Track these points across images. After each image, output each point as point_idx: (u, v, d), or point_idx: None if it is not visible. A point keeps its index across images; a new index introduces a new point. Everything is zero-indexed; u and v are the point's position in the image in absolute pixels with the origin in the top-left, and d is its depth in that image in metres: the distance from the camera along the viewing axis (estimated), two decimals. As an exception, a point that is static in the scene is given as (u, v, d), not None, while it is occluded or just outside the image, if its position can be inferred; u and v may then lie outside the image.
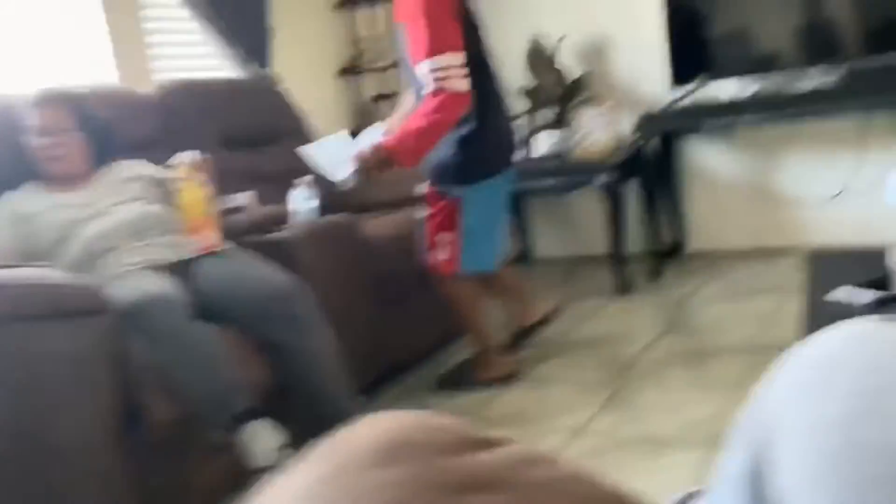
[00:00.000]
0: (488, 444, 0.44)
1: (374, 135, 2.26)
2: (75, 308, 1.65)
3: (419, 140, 2.16)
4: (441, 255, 2.39)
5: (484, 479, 0.40)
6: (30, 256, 1.97)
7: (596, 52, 3.73)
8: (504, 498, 0.38)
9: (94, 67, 2.87)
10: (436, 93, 2.11)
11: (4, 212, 2.04)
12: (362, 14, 3.93)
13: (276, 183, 2.73)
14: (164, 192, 2.18)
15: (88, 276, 1.88)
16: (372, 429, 0.46)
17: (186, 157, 2.04)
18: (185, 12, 3.08)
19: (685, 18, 3.39)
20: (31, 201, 2.06)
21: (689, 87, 3.35)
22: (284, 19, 3.49)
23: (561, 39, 3.59)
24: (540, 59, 3.56)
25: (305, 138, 3.21)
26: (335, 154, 2.25)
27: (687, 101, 3.37)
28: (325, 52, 3.86)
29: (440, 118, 2.13)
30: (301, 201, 2.39)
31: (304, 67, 3.65)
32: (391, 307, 2.49)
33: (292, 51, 3.56)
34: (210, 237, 2.06)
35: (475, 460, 0.41)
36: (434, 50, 2.11)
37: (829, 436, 0.34)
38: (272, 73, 3.33)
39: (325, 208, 2.44)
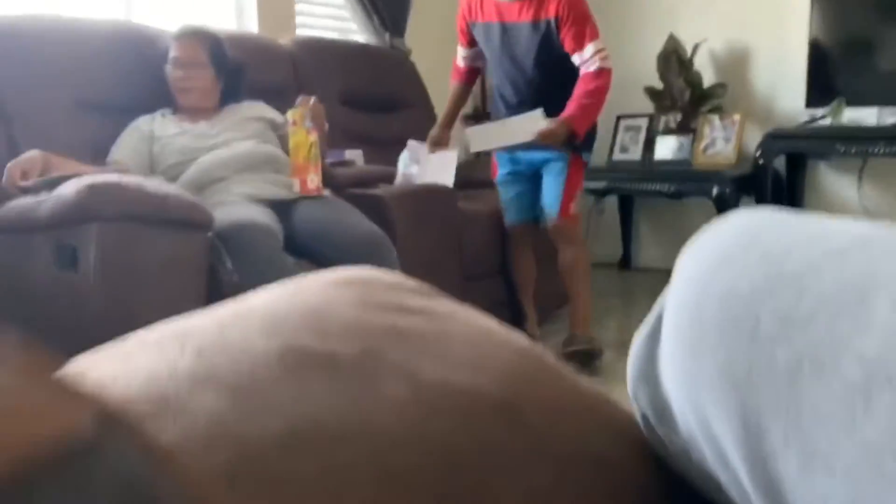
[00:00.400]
0: (427, 293, 0.49)
1: (534, 116, 2.50)
2: (180, 218, 1.81)
3: (595, 112, 2.58)
4: (574, 210, 2.59)
5: (412, 308, 0.45)
6: (150, 175, 2.17)
7: (733, 62, 3.62)
8: (422, 322, 0.43)
9: (239, 14, 3.08)
10: (599, 72, 2.52)
11: (135, 131, 2.24)
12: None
13: (390, 147, 2.85)
14: (280, 135, 2.33)
15: (200, 195, 2.05)
16: (344, 271, 0.52)
17: (300, 102, 2.17)
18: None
19: (831, 40, 3.25)
20: (159, 125, 2.26)
21: (823, 110, 3.21)
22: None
23: (699, 44, 3.52)
24: (673, 60, 3.50)
25: (426, 110, 3.33)
26: (440, 163, 2.58)
27: (820, 124, 3.23)
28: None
29: (606, 92, 2.58)
30: (403, 164, 2.49)
31: (438, 43, 3.75)
32: (473, 282, 2.55)
33: (429, 26, 3.66)
34: (312, 181, 2.18)
35: (410, 298, 0.47)
36: (597, 33, 2.54)
37: (688, 289, 0.37)
38: (405, 44, 3.45)
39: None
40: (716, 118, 3.55)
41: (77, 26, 2.30)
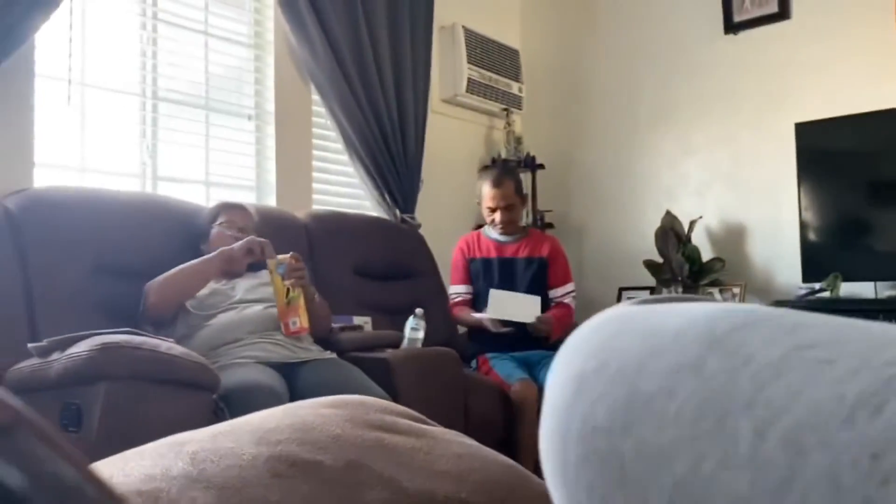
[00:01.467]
0: (421, 420, 0.51)
1: (535, 300, 3.14)
2: (187, 379, 1.84)
3: (566, 328, 3.10)
4: None
5: (401, 429, 0.47)
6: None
7: (730, 237, 3.76)
8: (407, 440, 0.45)
9: (260, 187, 3.26)
10: (568, 306, 3.28)
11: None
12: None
13: (399, 313, 2.92)
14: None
15: (212, 355, 2.09)
16: (337, 396, 0.55)
17: (281, 257, 2.31)
18: (346, 157, 3.46)
19: (820, 220, 3.39)
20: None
21: (821, 283, 3.28)
22: (434, 173, 3.81)
23: (695, 221, 3.66)
24: (671, 236, 3.63)
25: (435, 281, 3.43)
26: (525, 303, 3.10)
27: (819, 297, 3.28)
28: (465, 207, 4.14)
29: (572, 319, 3.27)
30: (410, 329, 2.54)
31: (444, 218, 3.92)
32: (480, 447, 2.51)
33: (437, 202, 3.86)
34: (293, 323, 2.28)
35: (400, 420, 0.49)
36: (571, 277, 3.37)
37: (549, 419, 0.37)
38: (414, 219, 3.62)
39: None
40: (716, 291, 3.62)
41: (99, 196, 2.45)
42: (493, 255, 3.28)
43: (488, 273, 3.26)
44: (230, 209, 2.55)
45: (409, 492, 0.40)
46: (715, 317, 0.33)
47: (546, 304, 3.26)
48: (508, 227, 3.28)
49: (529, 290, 3.21)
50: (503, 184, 3.25)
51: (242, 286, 2.40)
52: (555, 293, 3.30)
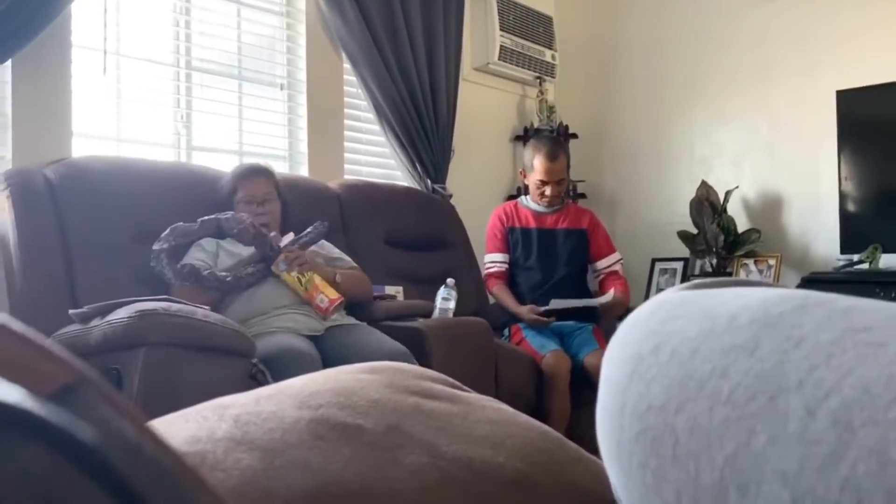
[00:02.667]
0: (456, 386, 0.51)
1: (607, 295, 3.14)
2: (223, 346, 1.87)
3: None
4: None
5: (438, 394, 0.48)
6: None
7: (766, 208, 3.70)
8: (445, 405, 0.46)
9: (292, 157, 3.28)
10: (622, 275, 3.27)
11: (214, 245, 2.38)
12: (539, 149, 4.19)
13: (430, 283, 2.93)
14: (336, 267, 2.47)
15: (244, 325, 2.12)
16: (375, 363, 0.56)
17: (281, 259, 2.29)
18: (377, 126, 3.45)
19: (860, 191, 3.32)
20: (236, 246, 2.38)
21: (859, 255, 3.22)
22: (466, 143, 3.80)
23: (731, 191, 3.61)
24: (705, 206, 3.59)
25: (466, 250, 3.43)
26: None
27: (858, 269, 3.23)
28: (497, 178, 4.12)
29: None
30: (441, 299, 2.55)
31: (476, 188, 3.91)
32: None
33: (468, 173, 3.84)
34: (322, 301, 2.28)
35: (436, 385, 0.49)
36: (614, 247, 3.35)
37: (606, 395, 0.38)
38: (445, 189, 3.61)
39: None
40: (751, 262, 3.57)
41: (136, 165, 2.48)
42: (533, 225, 3.25)
43: (527, 243, 3.23)
44: (247, 180, 2.44)
45: (447, 456, 0.40)
46: (769, 301, 0.34)
47: (585, 278, 3.26)
48: (555, 200, 3.25)
49: (570, 262, 3.19)
50: (558, 158, 3.20)
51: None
52: (602, 264, 3.28)
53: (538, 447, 0.44)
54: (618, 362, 0.38)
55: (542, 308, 2.99)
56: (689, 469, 0.30)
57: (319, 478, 0.36)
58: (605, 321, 3.12)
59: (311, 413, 0.41)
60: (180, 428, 0.41)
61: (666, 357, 0.34)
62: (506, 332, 3.10)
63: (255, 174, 2.46)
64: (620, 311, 3.08)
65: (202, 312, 1.93)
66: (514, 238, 3.25)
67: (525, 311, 3.02)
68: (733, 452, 0.28)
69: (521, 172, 3.40)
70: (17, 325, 0.19)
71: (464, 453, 0.41)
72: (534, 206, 3.28)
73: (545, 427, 0.47)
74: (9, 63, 2.34)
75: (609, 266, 3.28)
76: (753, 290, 0.37)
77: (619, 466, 0.35)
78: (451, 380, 0.53)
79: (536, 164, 3.19)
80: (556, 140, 3.50)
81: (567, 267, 3.20)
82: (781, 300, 0.34)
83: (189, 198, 2.49)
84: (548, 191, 3.19)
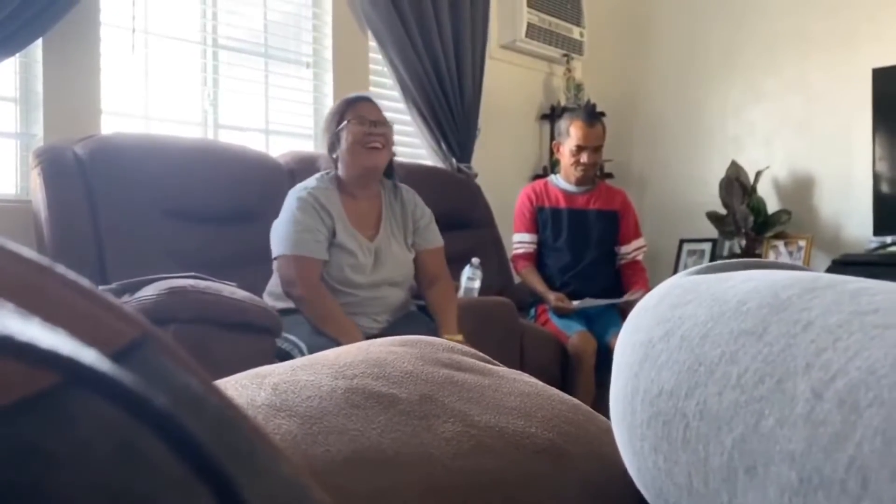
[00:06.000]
0: (486, 360, 0.52)
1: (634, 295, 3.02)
2: (252, 322, 1.89)
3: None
4: None
5: (469, 367, 0.48)
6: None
7: (797, 189, 3.64)
8: (476, 377, 0.46)
9: (316, 136, 3.29)
10: (643, 265, 3.19)
11: (313, 206, 2.18)
12: (566, 127, 4.16)
13: (456, 263, 2.93)
14: (417, 227, 2.38)
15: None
16: (406, 336, 0.56)
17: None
18: (403, 104, 3.45)
19: (895, 172, 3.26)
20: (342, 229, 2.20)
21: (892, 237, 3.17)
22: (491, 122, 3.78)
23: (762, 171, 3.56)
24: (735, 187, 3.54)
25: (491, 229, 3.43)
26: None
27: (891, 251, 3.18)
28: (524, 157, 4.10)
29: None
30: (466, 279, 2.56)
31: (502, 168, 3.90)
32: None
33: (494, 152, 3.83)
34: None
35: (467, 359, 0.50)
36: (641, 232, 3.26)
37: (619, 380, 0.38)
38: (471, 168, 3.60)
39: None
40: (781, 244, 3.54)
41: (164, 142, 2.50)
42: (563, 205, 3.14)
43: (557, 224, 3.14)
44: (354, 104, 2.25)
45: (479, 425, 0.41)
46: (778, 284, 0.34)
47: (614, 261, 3.19)
48: (590, 171, 3.13)
49: (600, 244, 3.11)
50: (596, 124, 3.11)
51: (387, 257, 2.26)
52: (626, 249, 3.18)
53: (568, 418, 0.44)
54: (630, 347, 0.38)
55: (574, 304, 2.93)
56: (700, 452, 0.31)
57: (357, 443, 0.37)
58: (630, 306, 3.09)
59: (347, 382, 0.42)
60: (219, 395, 0.42)
61: (676, 342, 0.35)
62: (532, 311, 3.09)
63: (362, 98, 2.29)
64: None
65: (230, 289, 1.95)
66: (543, 218, 3.16)
67: (553, 297, 2.96)
68: (742, 435, 0.29)
69: (554, 145, 3.27)
70: (84, 281, 0.20)
71: (496, 422, 0.41)
72: (564, 184, 3.19)
73: (576, 401, 0.48)
74: (39, 42, 2.37)
75: (632, 253, 3.18)
76: (763, 274, 0.37)
77: (632, 450, 0.36)
78: (480, 354, 0.54)
79: (573, 130, 3.08)
80: (594, 109, 3.41)
81: (598, 249, 3.13)
82: (790, 284, 0.34)
83: (216, 174, 2.51)
84: (584, 157, 3.07)
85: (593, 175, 3.23)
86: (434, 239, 2.39)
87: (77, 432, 0.14)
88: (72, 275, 0.19)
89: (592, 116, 3.13)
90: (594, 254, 3.11)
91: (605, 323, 2.94)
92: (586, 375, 2.73)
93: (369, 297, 2.20)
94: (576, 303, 2.94)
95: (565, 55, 4.04)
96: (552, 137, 4.07)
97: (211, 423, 0.18)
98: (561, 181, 3.21)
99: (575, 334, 2.80)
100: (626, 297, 2.98)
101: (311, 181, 2.26)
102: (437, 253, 2.39)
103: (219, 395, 0.20)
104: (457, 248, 3.18)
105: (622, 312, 3.00)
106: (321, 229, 2.16)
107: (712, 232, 3.70)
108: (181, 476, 0.16)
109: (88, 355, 0.14)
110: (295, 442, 0.36)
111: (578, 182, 3.15)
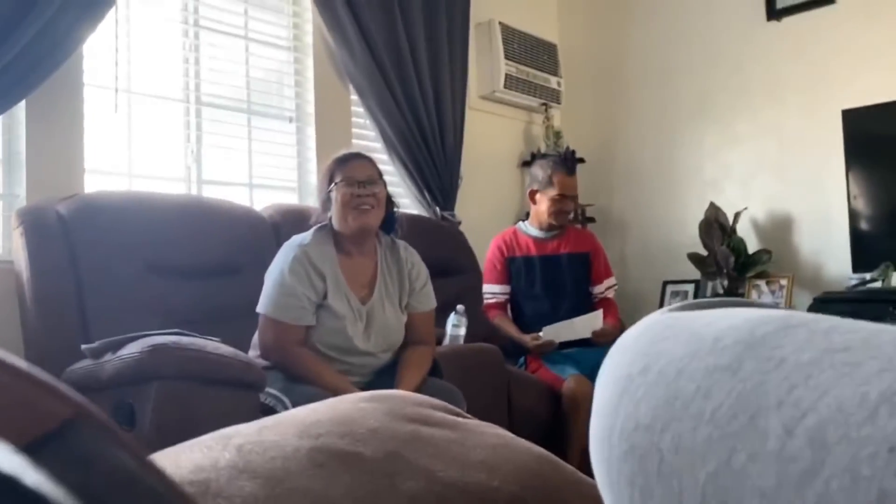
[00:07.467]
0: (456, 412, 0.52)
1: (596, 316, 3.02)
2: (234, 378, 1.88)
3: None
4: None
5: (437, 421, 0.49)
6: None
7: (776, 228, 3.69)
8: (443, 432, 0.47)
9: (301, 190, 3.31)
10: (612, 302, 3.22)
11: (304, 266, 2.14)
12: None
13: (441, 310, 2.93)
14: (412, 289, 2.35)
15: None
16: (376, 391, 0.57)
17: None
18: (385, 156, 3.49)
19: (870, 208, 3.31)
20: (333, 292, 2.15)
21: (871, 273, 3.21)
22: (473, 170, 3.82)
23: (740, 212, 3.61)
24: (715, 228, 3.59)
25: (476, 277, 3.44)
26: (570, 328, 2.97)
27: (871, 287, 3.21)
28: (506, 204, 4.14)
29: None
30: (451, 326, 2.56)
31: (485, 215, 3.93)
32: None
33: (476, 199, 3.87)
34: None
35: (436, 413, 0.50)
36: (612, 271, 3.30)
37: (598, 416, 0.39)
38: (454, 216, 3.63)
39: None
40: (763, 283, 3.57)
41: (147, 199, 2.51)
42: (534, 252, 3.19)
43: (530, 272, 3.16)
44: (345, 164, 2.21)
45: (443, 481, 0.41)
46: (753, 321, 0.34)
47: (588, 300, 3.20)
48: (567, 218, 3.19)
49: (576, 288, 3.14)
50: (574, 173, 3.17)
51: (380, 321, 2.22)
52: (598, 289, 3.23)
53: (533, 470, 0.44)
54: (609, 383, 0.39)
55: (542, 334, 2.92)
56: (674, 487, 0.31)
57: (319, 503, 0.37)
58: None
59: (312, 442, 0.42)
60: (186, 458, 0.42)
61: (654, 377, 0.35)
62: (521, 360, 3.07)
63: (353, 156, 2.25)
64: (609, 342, 3.05)
65: (213, 345, 1.94)
66: (515, 267, 3.19)
67: (528, 339, 2.96)
68: (715, 470, 0.29)
69: (529, 194, 3.27)
70: (16, 360, 0.20)
71: (459, 478, 0.42)
72: (534, 231, 3.23)
73: (542, 451, 0.48)
74: (22, 103, 2.39)
75: (603, 292, 3.23)
76: (739, 311, 0.38)
77: (609, 485, 0.36)
78: (451, 407, 0.54)
79: (555, 179, 3.11)
80: (573, 157, 3.46)
81: (573, 293, 3.15)
82: (765, 321, 0.35)
83: (200, 229, 2.52)
84: (566, 206, 3.13)
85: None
86: (427, 302, 2.37)
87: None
88: (7, 357, 0.20)
89: (571, 167, 3.19)
90: (570, 297, 3.13)
91: (597, 366, 2.91)
92: (582, 419, 2.70)
93: (358, 363, 2.19)
94: (545, 329, 2.92)
95: (543, 104, 4.12)
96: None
97: (142, 501, 0.19)
98: (531, 228, 3.25)
99: (570, 378, 2.78)
100: (587, 320, 2.96)
101: (307, 236, 2.22)
102: (427, 316, 2.36)
103: (153, 472, 0.20)
104: (442, 295, 3.18)
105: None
106: (309, 295, 2.13)
107: (695, 273, 3.73)
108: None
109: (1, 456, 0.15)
110: (257, 503, 0.37)
111: (551, 228, 3.18)
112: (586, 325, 2.97)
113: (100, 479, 0.18)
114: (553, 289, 3.13)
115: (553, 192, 3.12)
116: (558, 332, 2.94)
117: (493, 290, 3.20)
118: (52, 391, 0.20)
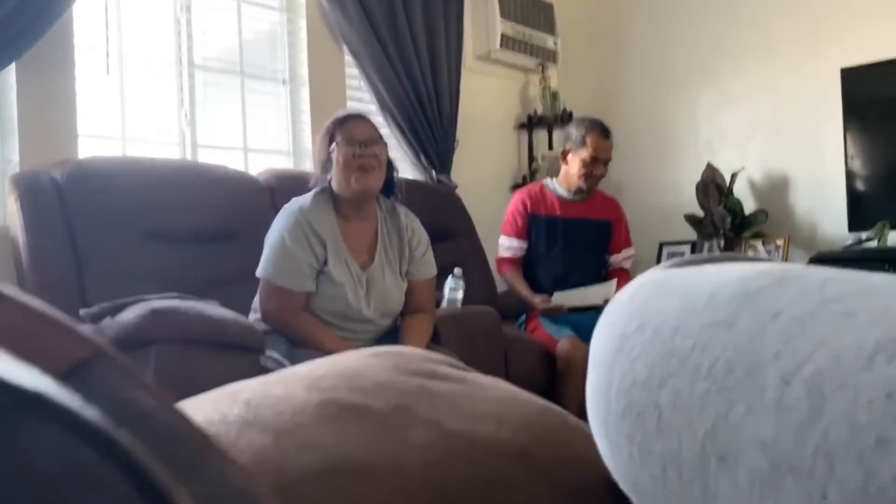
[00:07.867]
0: (461, 367, 0.53)
1: (609, 285, 2.96)
2: (234, 341, 1.89)
3: None
4: None
5: (443, 375, 0.49)
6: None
7: (773, 189, 3.69)
8: (449, 385, 0.47)
9: (297, 153, 3.29)
10: (627, 272, 3.15)
11: (304, 231, 2.12)
12: (541, 136, 4.18)
13: (439, 274, 2.94)
14: (412, 256, 2.32)
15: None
16: (380, 346, 0.57)
17: None
18: (381, 119, 3.46)
19: (866, 168, 3.31)
20: (333, 260, 2.13)
21: (867, 233, 3.21)
22: (469, 133, 3.80)
23: (737, 173, 3.60)
24: (712, 189, 3.58)
25: (473, 241, 3.44)
26: (581, 295, 2.93)
27: (866, 247, 3.22)
28: (503, 167, 4.12)
29: None
30: (449, 290, 2.57)
31: (481, 178, 3.92)
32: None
33: (473, 162, 3.85)
34: None
35: (441, 367, 0.51)
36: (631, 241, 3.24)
37: (594, 374, 0.39)
38: (450, 179, 3.62)
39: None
40: (759, 243, 3.57)
41: (142, 164, 2.50)
42: (559, 213, 3.07)
43: (552, 233, 3.06)
44: (344, 124, 2.17)
45: (452, 432, 0.42)
46: (748, 276, 0.34)
47: (603, 269, 3.15)
48: (597, 182, 3.08)
49: (593, 254, 3.09)
50: (610, 137, 3.05)
51: (380, 288, 2.21)
52: (616, 258, 3.17)
53: (541, 422, 0.45)
54: (604, 342, 0.39)
55: (554, 298, 2.90)
56: (673, 442, 0.31)
57: (329, 456, 0.37)
58: None
59: (320, 395, 0.42)
60: (193, 413, 0.42)
61: (649, 335, 0.35)
62: (522, 318, 3.06)
63: (353, 117, 2.21)
64: None
65: (212, 309, 1.95)
66: (537, 226, 3.08)
67: (538, 301, 2.92)
68: (713, 424, 0.29)
69: (561, 153, 3.14)
70: (34, 301, 0.20)
71: (468, 429, 0.42)
72: (562, 191, 3.11)
73: (548, 403, 0.49)
74: (13, 66, 2.36)
75: (620, 262, 3.17)
76: (733, 266, 0.38)
77: (608, 442, 0.36)
78: (455, 361, 0.54)
79: (590, 140, 3.00)
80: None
81: (590, 259, 3.10)
82: (760, 275, 0.35)
83: (196, 195, 2.50)
84: (597, 170, 3.02)
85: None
86: (427, 271, 2.35)
87: (17, 453, 0.15)
88: (25, 298, 0.20)
89: (607, 130, 3.07)
90: (586, 264, 3.08)
91: (593, 329, 2.90)
92: (575, 381, 2.71)
93: (359, 329, 2.19)
94: (556, 294, 2.90)
95: (540, 64, 4.08)
96: (531, 146, 4.09)
97: (157, 436, 0.19)
98: (559, 187, 3.13)
99: (564, 339, 2.78)
100: (600, 289, 2.92)
101: (306, 199, 2.19)
102: (427, 284, 2.34)
103: (168, 410, 0.20)
104: (439, 259, 3.17)
105: None
106: (310, 261, 2.11)
107: (691, 234, 3.73)
108: (121, 492, 0.16)
109: (29, 378, 0.15)
110: (268, 456, 0.37)
111: (579, 192, 3.08)
112: (598, 294, 2.91)
113: (113, 413, 0.18)
114: (571, 253, 3.05)
115: (585, 153, 3.01)
116: (569, 298, 2.91)
117: (510, 244, 3.10)
118: (71, 332, 0.20)
